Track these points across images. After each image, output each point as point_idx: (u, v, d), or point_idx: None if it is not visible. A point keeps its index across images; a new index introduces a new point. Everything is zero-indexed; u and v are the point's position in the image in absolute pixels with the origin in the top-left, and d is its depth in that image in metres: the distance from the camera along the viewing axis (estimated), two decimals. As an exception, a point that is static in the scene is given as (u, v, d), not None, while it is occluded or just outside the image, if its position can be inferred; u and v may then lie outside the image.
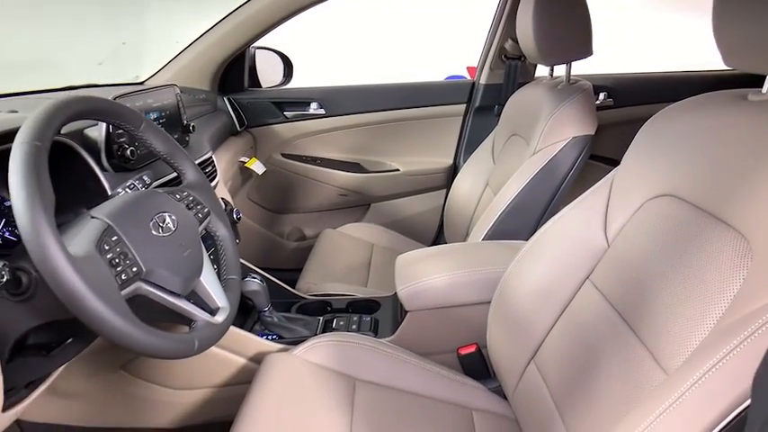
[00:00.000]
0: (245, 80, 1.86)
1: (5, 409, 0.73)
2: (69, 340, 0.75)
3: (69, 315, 0.67)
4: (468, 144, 1.91)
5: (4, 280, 0.60)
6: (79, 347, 0.77)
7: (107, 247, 0.64)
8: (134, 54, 2.10)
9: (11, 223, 0.84)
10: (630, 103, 1.85)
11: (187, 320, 0.74)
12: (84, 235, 0.64)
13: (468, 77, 4.14)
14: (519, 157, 1.42)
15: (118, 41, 2.13)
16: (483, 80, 1.86)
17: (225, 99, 1.80)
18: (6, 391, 0.72)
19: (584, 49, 1.30)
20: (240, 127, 1.82)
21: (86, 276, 0.57)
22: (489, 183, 1.61)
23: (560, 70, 1.43)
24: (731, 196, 0.64)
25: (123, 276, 0.64)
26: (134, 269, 0.66)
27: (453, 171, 1.96)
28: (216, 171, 1.30)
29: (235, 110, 1.82)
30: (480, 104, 1.88)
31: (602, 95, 1.84)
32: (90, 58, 1.93)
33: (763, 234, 0.58)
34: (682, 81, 1.94)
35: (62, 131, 0.88)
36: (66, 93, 0.74)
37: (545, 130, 1.29)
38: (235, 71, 1.80)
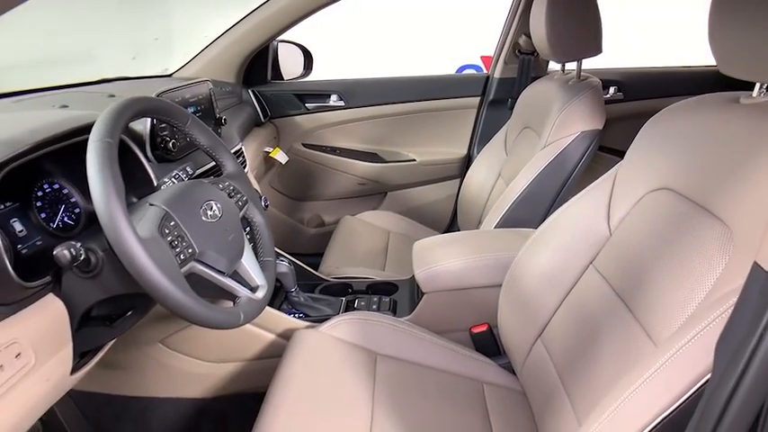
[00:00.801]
0: (268, 73, 1.94)
1: (73, 372, 0.84)
2: (129, 313, 0.85)
3: (130, 290, 0.77)
4: (481, 136, 1.98)
5: (82, 258, 0.70)
6: (137, 319, 0.87)
7: (167, 231, 0.73)
8: (164, 49, 2.20)
9: (69, 209, 0.94)
10: (640, 97, 1.90)
11: (232, 296, 0.84)
12: (147, 220, 0.73)
13: (483, 67, 4.18)
14: (530, 149, 1.49)
15: (150, 37, 2.24)
16: (497, 74, 1.93)
17: (249, 91, 1.88)
18: (75, 357, 0.82)
19: (595, 48, 1.36)
20: (264, 118, 1.90)
21: (153, 256, 0.67)
22: (502, 173, 1.68)
23: (573, 65, 1.49)
24: (718, 189, 0.72)
25: (181, 256, 0.73)
26: (189, 250, 0.75)
27: (467, 161, 2.03)
28: (246, 161, 1.39)
29: (259, 101, 1.90)
30: (494, 98, 1.94)
31: (612, 89, 1.89)
32: (124, 52, 2.04)
33: (744, 223, 0.65)
34: (690, 76, 1.98)
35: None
36: (131, 96, 0.83)
37: (555, 125, 1.36)
38: (259, 64, 1.88)
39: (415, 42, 3.73)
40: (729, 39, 0.75)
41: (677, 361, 0.59)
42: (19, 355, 0.67)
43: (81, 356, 0.86)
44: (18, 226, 0.82)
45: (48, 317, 0.74)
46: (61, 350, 0.77)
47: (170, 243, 0.73)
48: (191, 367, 1.26)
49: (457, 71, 4.31)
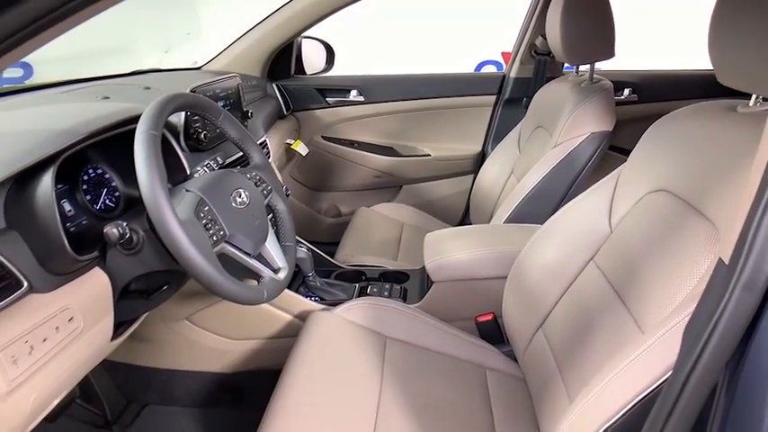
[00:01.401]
0: (291, 67, 2.02)
1: (112, 339, 0.93)
2: (164, 287, 0.94)
3: (166, 266, 0.86)
4: (496, 133, 2.03)
5: (127, 236, 0.78)
6: (170, 293, 0.96)
7: (201, 215, 0.81)
8: (194, 43, 2.30)
9: (110, 192, 1.03)
10: (654, 99, 1.93)
11: (256, 276, 0.92)
12: (184, 204, 0.81)
13: (503, 63, 4.20)
14: (542, 148, 1.54)
15: (182, 32, 2.34)
16: (513, 74, 1.97)
17: (274, 85, 1.96)
18: (114, 326, 0.91)
19: (608, 52, 1.41)
20: (286, 111, 1.98)
21: (190, 236, 0.75)
22: (514, 170, 1.74)
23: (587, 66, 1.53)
24: (709, 191, 0.77)
25: (214, 238, 0.81)
26: (221, 233, 0.83)
27: (481, 158, 2.09)
28: (269, 152, 1.47)
29: (282, 95, 1.98)
30: (510, 96, 1.99)
31: (626, 91, 1.93)
32: (159, 46, 2.13)
33: (730, 223, 0.71)
34: (704, 79, 1.99)
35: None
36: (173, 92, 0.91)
37: (566, 125, 1.41)
38: (283, 59, 1.95)
39: (437, 38, 3.77)
40: (728, 51, 0.80)
41: (657, 347, 0.65)
42: (71, 319, 0.76)
43: (117, 327, 0.95)
44: (67, 206, 0.91)
45: (94, 288, 0.83)
46: (104, 318, 0.86)
47: (204, 225, 0.81)
48: (213, 343, 1.35)
49: (477, 67, 4.34)
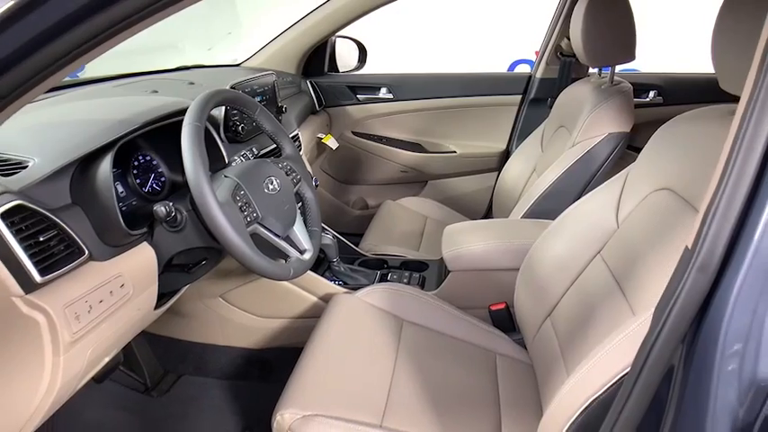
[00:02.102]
0: (325, 65, 2.12)
1: (156, 308, 1.04)
2: (203, 262, 1.05)
3: (206, 244, 0.96)
4: (521, 132, 2.08)
5: (173, 215, 0.89)
6: (208, 268, 1.07)
7: (237, 198, 0.91)
8: (234, 41, 2.44)
9: (156, 177, 1.14)
10: (678, 102, 1.93)
11: (284, 256, 1.02)
12: (223, 188, 0.91)
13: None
14: (563, 147, 1.58)
15: (224, 31, 2.49)
16: (539, 74, 2.02)
17: (307, 82, 2.06)
18: (158, 297, 1.02)
19: (628, 54, 1.44)
20: (319, 107, 2.08)
21: (228, 216, 0.85)
22: (536, 168, 1.78)
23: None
24: (705, 189, 0.82)
25: (248, 219, 0.91)
26: (254, 214, 0.93)
27: (506, 156, 2.13)
28: (301, 145, 1.57)
29: (315, 91, 2.08)
30: (535, 96, 2.04)
31: (651, 93, 1.95)
32: (202, 44, 2.29)
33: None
34: None
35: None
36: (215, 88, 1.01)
37: (585, 125, 1.45)
38: (317, 57, 2.06)
39: (473, 37, 3.81)
40: (730, 59, 0.84)
41: (642, 328, 0.71)
42: (123, 285, 0.88)
43: (160, 299, 1.06)
44: (120, 188, 1.03)
45: (142, 260, 0.94)
46: (150, 287, 0.97)
47: (240, 207, 0.91)
48: (244, 320, 1.46)
49: (511, 65, 4.35)
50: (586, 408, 0.74)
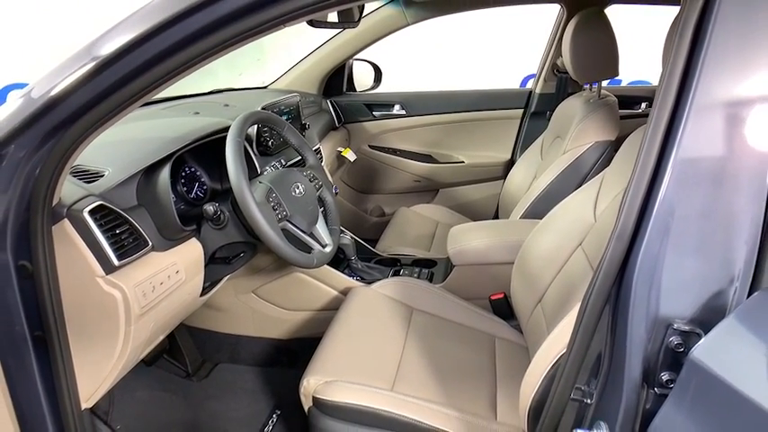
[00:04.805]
0: (344, 85, 2.33)
1: (201, 295, 1.24)
2: (241, 254, 1.24)
3: (244, 239, 1.16)
4: (523, 142, 2.24)
5: (218, 214, 1.08)
6: (246, 260, 1.26)
7: (270, 200, 1.11)
8: (262, 67, 2.69)
9: (200, 186, 1.35)
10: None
11: (308, 248, 1.21)
12: (258, 192, 1.11)
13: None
14: (558, 155, 1.75)
15: (252, 58, 2.75)
16: (538, 90, 2.19)
17: (328, 101, 2.27)
18: (204, 285, 1.22)
19: (612, 71, 1.61)
20: (338, 123, 2.29)
21: (263, 214, 1.04)
22: (537, 174, 1.94)
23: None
24: None
25: (279, 216, 1.11)
26: (284, 213, 1.12)
27: (510, 164, 2.30)
28: (322, 158, 1.77)
29: (334, 109, 2.29)
30: (535, 110, 2.21)
31: (643, 105, 2.10)
32: (233, 69, 2.55)
33: None
34: None
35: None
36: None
37: (574, 135, 1.62)
38: (336, 79, 2.27)
39: (488, 54, 3.99)
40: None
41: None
42: (178, 272, 1.07)
43: (204, 290, 1.25)
44: (171, 194, 1.23)
45: (192, 252, 1.14)
46: (198, 275, 1.17)
47: (272, 207, 1.10)
48: (273, 313, 1.64)
49: (523, 80, 4.52)
50: (552, 367, 0.89)
